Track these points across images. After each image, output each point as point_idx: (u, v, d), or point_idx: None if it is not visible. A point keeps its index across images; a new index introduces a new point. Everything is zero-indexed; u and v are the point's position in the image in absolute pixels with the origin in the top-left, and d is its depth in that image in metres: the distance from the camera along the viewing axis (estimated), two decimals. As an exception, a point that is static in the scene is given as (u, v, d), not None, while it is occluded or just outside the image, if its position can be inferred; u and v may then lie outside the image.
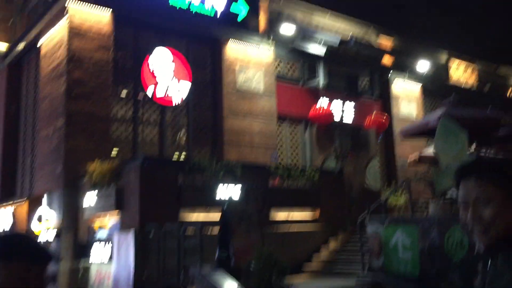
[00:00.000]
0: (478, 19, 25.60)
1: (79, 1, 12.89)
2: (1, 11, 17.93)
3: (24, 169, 15.58)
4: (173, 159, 14.16)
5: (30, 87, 15.87)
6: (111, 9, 13.29)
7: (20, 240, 1.92)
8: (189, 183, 10.75)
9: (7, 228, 13.72)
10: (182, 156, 14.67)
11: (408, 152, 19.88)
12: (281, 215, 12.09)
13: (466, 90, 22.13)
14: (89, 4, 13.04)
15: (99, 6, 13.15)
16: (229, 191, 10.93)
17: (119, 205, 10.42)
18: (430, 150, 16.07)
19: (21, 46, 15.91)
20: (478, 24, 25.69)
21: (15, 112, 16.34)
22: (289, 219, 12.23)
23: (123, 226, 10.31)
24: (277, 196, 11.89)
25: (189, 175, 10.77)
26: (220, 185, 10.86)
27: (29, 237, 2.01)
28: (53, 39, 13.60)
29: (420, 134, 13.09)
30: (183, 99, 14.46)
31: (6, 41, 17.72)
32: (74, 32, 12.77)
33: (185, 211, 10.57)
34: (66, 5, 12.78)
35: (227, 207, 8.87)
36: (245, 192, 11.15)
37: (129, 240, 9.45)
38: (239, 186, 11.09)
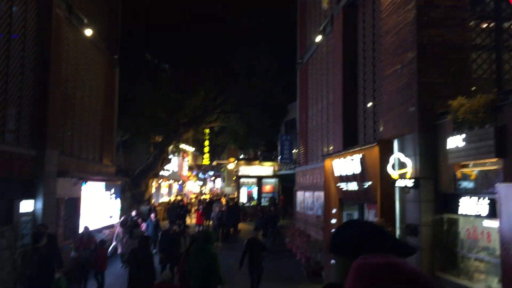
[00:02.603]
0: None
1: None
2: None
3: (365, 113, 14.83)
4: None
5: (367, 25, 14.81)
6: None
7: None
8: None
9: (357, 172, 13.20)
10: None
11: None
12: None
13: None
14: None
15: None
16: None
17: (501, 150, 8.13)
18: None
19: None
20: None
21: (353, 54, 15.69)
22: None
23: (507, 176, 8.04)
24: None
25: None
26: None
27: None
28: (394, -38, 11.95)
29: None
30: None
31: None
32: None
33: None
34: None
35: None
36: None
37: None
38: None
